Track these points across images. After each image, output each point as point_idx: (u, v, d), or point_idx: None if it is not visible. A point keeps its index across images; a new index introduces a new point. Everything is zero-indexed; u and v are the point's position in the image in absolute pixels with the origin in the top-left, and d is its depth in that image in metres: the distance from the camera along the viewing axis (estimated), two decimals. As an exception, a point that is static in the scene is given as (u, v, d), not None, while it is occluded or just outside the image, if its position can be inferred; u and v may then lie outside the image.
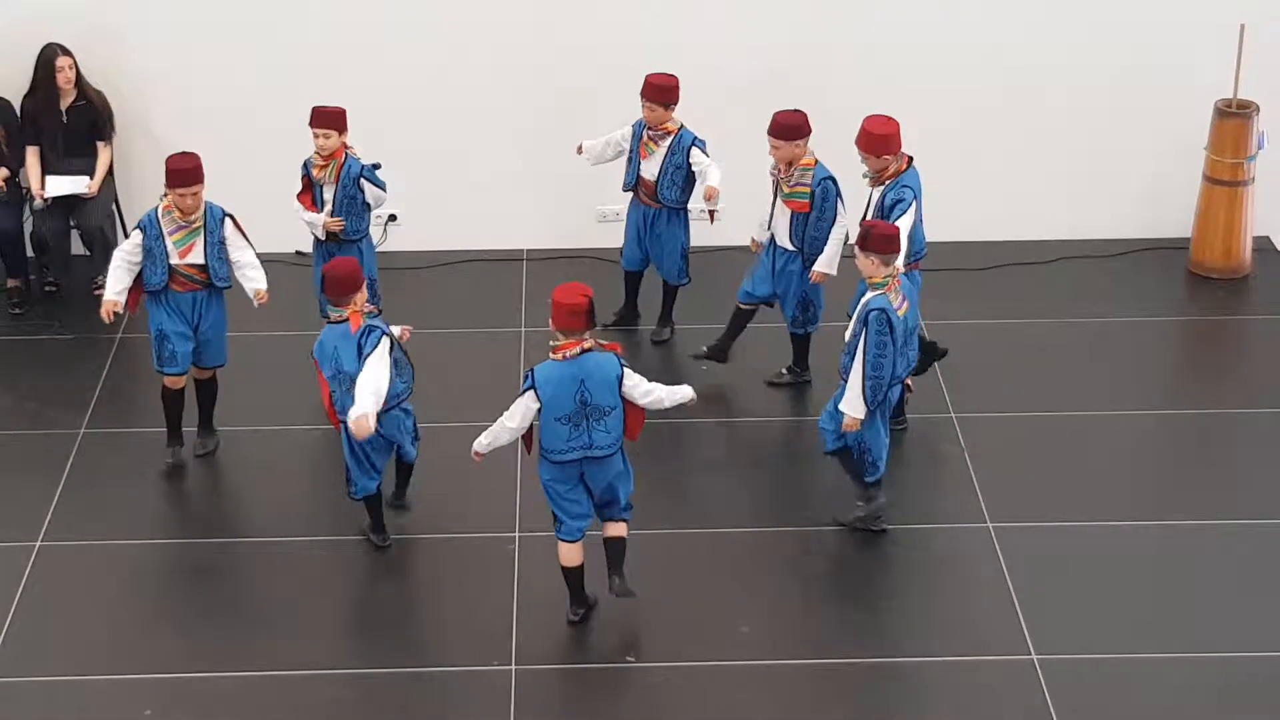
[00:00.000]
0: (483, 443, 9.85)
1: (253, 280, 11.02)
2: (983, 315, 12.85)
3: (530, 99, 13.31)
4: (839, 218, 11.50)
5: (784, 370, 12.15)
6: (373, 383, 9.96)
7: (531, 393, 9.56)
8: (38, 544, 10.70)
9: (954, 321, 12.65)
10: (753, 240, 11.98)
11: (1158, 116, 13.41)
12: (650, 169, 12.01)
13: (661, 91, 11.83)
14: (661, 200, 12.05)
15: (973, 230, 13.60)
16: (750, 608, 10.20)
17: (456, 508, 10.97)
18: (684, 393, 9.84)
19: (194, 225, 10.87)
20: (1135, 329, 12.76)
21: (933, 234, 11.67)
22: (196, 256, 10.88)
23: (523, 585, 10.34)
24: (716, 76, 13.04)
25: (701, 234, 12.95)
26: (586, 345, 9.53)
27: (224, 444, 11.47)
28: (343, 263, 10.30)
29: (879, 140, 11.03)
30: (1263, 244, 13.60)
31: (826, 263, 11.54)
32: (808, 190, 11.44)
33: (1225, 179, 13.18)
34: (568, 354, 9.53)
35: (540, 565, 10.43)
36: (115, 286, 10.92)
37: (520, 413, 9.66)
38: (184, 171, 10.80)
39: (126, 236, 13.34)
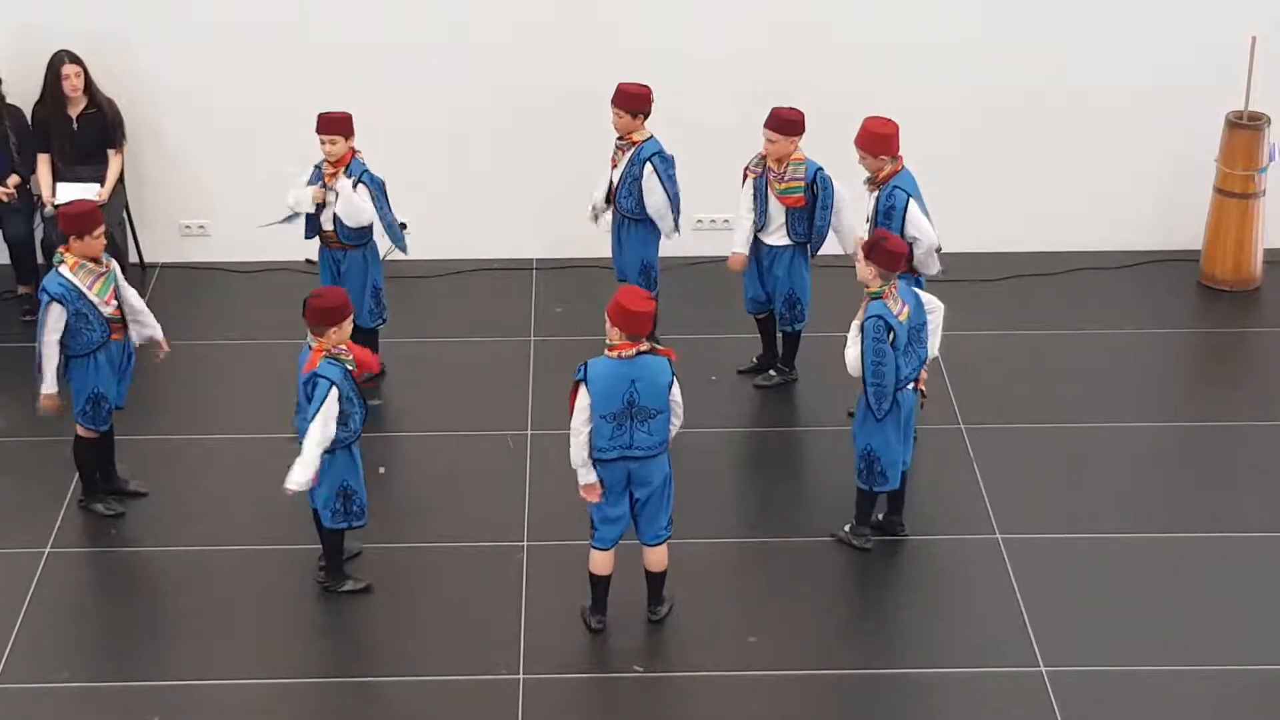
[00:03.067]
0: (577, 467, 9.75)
1: (151, 329, 10.73)
2: (993, 326, 12.84)
3: (540, 107, 13.30)
4: (837, 205, 11.59)
5: (771, 371, 12.18)
6: (312, 442, 9.81)
7: (584, 387, 9.57)
8: (46, 551, 10.70)
9: (964, 332, 12.64)
10: (734, 255, 11.93)
11: (1169, 128, 13.38)
12: (615, 176, 12.02)
13: (629, 99, 11.79)
14: (620, 209, 12.05)
15: (983, 242, 13.58)
16: (758, 618, 10.19)
17: (465, 517, 10.97)
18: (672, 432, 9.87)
19: (107, 269, 10.53)
20: (1145, 341, 12.75)
21: (944, 245, 11.65)
22: (112, 300, 10.55)
23: (531, 594, 10.33)
24: (724, 87, 13.04)
25: (696, 244, 12.99)
26: (642, 348, 9.57)
27: (233, 452, 11.47)
28: (332, 293, 10.07)
29: (880, 140, 11.05)
30: (1274, 256, 13.56)
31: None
32: (801, 184, 11.52)
33: (1236, 191, 13.16)
34: (623, 354, 9.55)
35: (548, 574, 10.44)
36: (51, 378, 10.48)
37: (577, 411, 9.61)
38: (92, 216, 10.41)
39: (138, 246, 13.42)
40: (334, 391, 9.80)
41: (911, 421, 10.55)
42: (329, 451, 9.93)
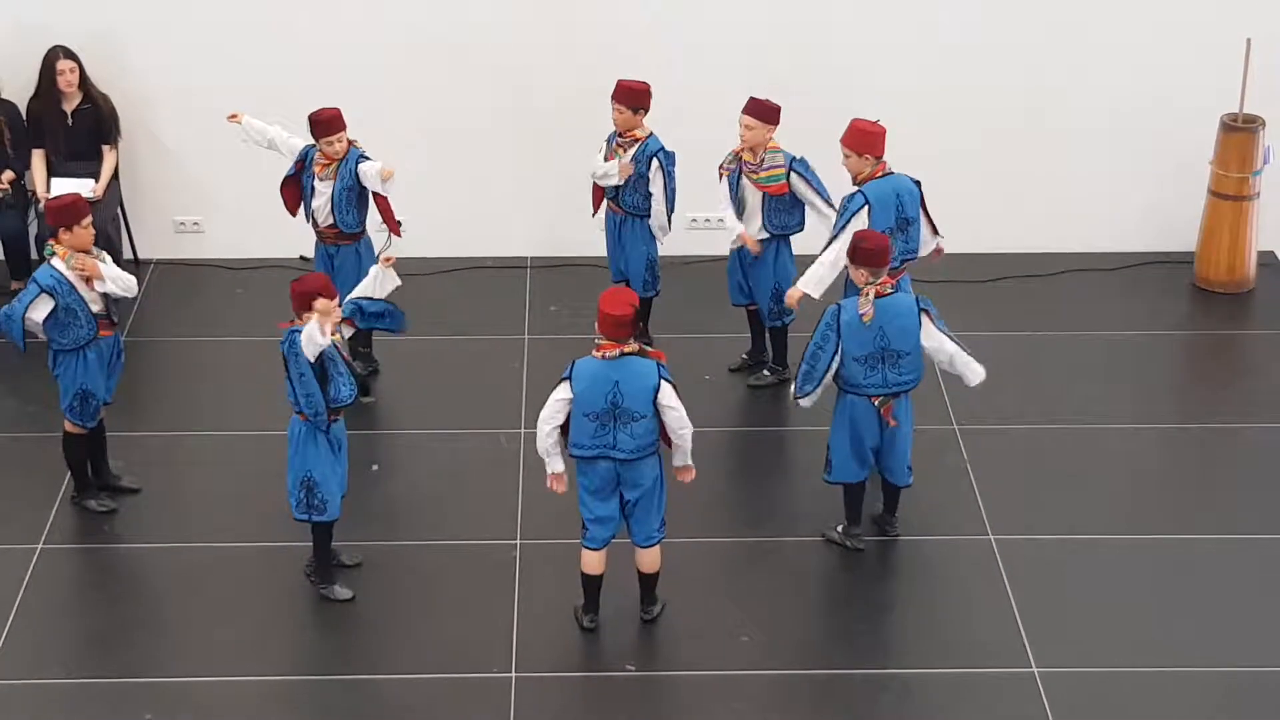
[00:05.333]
0: (541, 456, 9.82)
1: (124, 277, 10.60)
2: (987, 328, 12.83)
3: (535, 106, 13.30)
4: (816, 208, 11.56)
5: (766, 372, 12.18)
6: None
7: (566, 383, 9.62)
8: (39, 547, 10.70)
9: (959, 333, 12.63)
10: (741, 237, 11.89)
11: (1164, 130, 13.39)
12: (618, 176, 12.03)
13: (630, 95, 11.80)
14: (624, 206, 12.04)
15: (978, 243, 13.59)
16: (751, 617, 10.19)
17: (458, 515, 10.97)
18: (683, 457, 9.86)
19: (98, 261, 10.50)
20: (1139, 343, 12.75)
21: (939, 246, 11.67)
22: (102, 293, 10.53)
23: (523, 592, 10.34)
24: (720, 87, 13.03)
25: (689, 243, 12.98)
26: (628, 349, 9.58)
27: (228, 448, 11.48)
28: (312, 277, 10.00)
29: (864, 137, 11.04)
30: (1267, 259, 13.59)
31: (812, 282, 11.21)
32: (782, 170, 11.52)
33: (1230, 193, 13.17)
34: (607, 354, 9.58)
35: (541, 573, 10.44)
36: (18, 339, 10.37)
37: (550, 400, 9.69)
38: (75, 207, 10.36)
39: (132, 242, 13.42)
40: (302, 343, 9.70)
41: (887, 439, 10.47)
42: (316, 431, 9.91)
